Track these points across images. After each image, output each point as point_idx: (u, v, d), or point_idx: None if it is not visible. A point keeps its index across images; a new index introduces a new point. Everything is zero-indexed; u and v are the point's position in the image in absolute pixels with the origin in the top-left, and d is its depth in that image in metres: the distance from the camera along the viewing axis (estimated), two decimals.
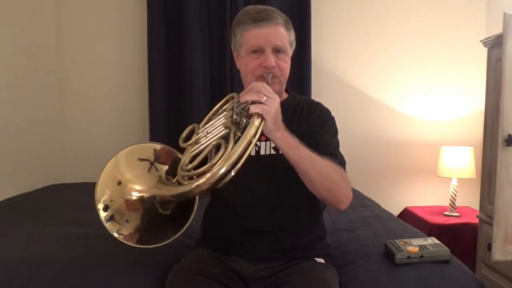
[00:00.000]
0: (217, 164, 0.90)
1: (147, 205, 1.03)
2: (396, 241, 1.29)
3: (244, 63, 1.20)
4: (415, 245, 1.26)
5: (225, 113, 1.03)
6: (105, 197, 1.03)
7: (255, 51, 1.17)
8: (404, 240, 1.30)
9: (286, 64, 1.20)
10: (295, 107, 1.28)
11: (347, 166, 1.22)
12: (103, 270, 1.20)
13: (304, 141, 1.07)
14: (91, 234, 1.48)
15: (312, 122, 1.24)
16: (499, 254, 1.81)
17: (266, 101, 0.96)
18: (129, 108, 2.81)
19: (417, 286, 1.17)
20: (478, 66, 2.81)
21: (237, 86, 2.67)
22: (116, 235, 0.99)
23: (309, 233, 1.24)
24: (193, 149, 1.04)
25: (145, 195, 1.03)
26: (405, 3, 2.85)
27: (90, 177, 2.73)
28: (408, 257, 1.22)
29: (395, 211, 2.79)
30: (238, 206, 1.20)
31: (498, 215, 1.81)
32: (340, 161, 1.16)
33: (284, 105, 1.25)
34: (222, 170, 0.89)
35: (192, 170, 0.98)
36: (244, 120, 0.97)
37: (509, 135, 1.78)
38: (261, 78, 1.17)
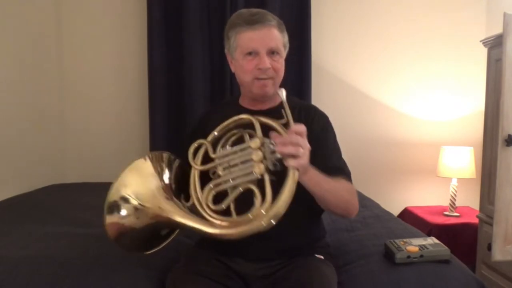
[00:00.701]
0: (258, 218, 0.92)
1: (155, 221, 1.05)
2: (396, 241, 1.29)
3: (240, 66, 1.20)
4: (415, 245, 1.26)
5: (253, 153, 0.99)
6: (129, 191, 1.04)
7: (250, 53, 1.17)
8: (404, 240, 1.30)
9: (280, 66, 1.21)
10: (291, 110, 1.27)
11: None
12: (103, 270, 1.20)
13: None
14: (91, 234, 1.48)
15: (312, 129, 1.23)
16: (499, 254, 1.81)
17: (302, 154, 0.96)
18: (129, 108, 2.81)
19: (417, 286, 1.17)
20: (478, 66, 2.81)
21: (237, 85, 2.67)
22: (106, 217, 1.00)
23: (309, 233, 1.25)
24: (216, 183, 1.02)
25: (163, 214, 1.03)
26: (405, 3, 2.85)
27: (90, 177, 2.73)
28: (408, 257, 1.22)
29: (395, 211, 2.79)
30: None
31: (498, 215, 1.81)
32: (347, 174, 1.19)
33: (280, 108, 1.25)
34: (264, 225, 0.91)
35: (221, 214, 1.00)
36: (277, 165, 0.98)
37: (509, 135, 1.78)
38: (257, 80, 1.18)
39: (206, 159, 1.09)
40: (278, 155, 0.97)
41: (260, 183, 0.99)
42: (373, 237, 1.49)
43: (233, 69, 1.26)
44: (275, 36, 1.17)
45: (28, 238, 1.44)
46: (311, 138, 1.22)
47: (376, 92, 2.89)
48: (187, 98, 2.67)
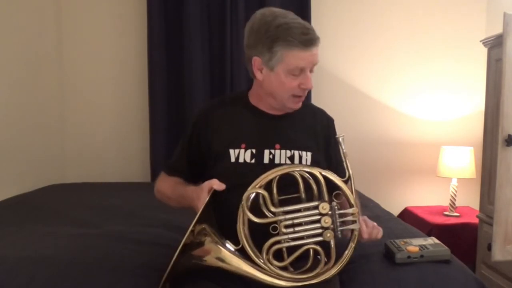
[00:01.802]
0: (317, 277, 1.01)
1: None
2: (396, 241, 1.29)
3: (280, 81, 1.14)
4: (415, 245, 1.26)
5: (322, 219, 1.02)
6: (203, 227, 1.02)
7: (295, 72, 1.14)
8: (404, 240, 1.30)
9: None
10: (306, 115, 1.28)
11: None
12: (103, 270, 1.20)
13: (318, 149, 1.15)
14: (91, 234, 1.48)
15: (328, 134, 1.26)
16: (499, 254, 1.81)
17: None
18: (129, 108, 2.81)
19: (417, 286, 1.17)
20: (478, 66, 2.81)
21: (237, 85, 2.67)
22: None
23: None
24: (278, 239, 1.02)
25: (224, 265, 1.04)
26: (405, 3, 2.85)
27: (90, 177, 2.73)
28: (409, 257, 1.22)
29: (395, 211, 2.79)
30: None
31: (498, 215, 1.81)
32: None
33: (297, 113, 1.25)
34: (317, 280, 1.01)
35: (287, 269, 1.03)
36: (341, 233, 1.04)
37: (509, 135, 1.78)
38: (294, 97, 1.17)
39: (254, 205, 1.04)
40: (343, 218, 1.03)
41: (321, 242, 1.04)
42: None
43: (261, 78, 1.17)
44: (317, 54, 1.17)
45: (28, 238, 1.44)
46: (329, 143, 1.24)
47: (376, 92, 2.89)
48: (187, 98, 2.67)
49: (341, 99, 2.86)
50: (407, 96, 2.90)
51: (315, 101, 2.70)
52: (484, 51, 2.30)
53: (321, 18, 2.80)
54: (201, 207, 0.98)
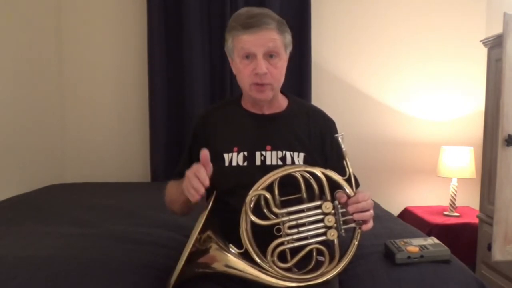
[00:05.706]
0: (323, 276, 1.02)
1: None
2: (396, 241, 1.30)
3: (237, 69, 1.18)
4: (415, 245, 1.26)
5: (325, 218, 1.02)
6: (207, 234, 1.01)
7: (247, 57, 1.14)
8: (404, 240, 1.30)
9: (278, 70, 1.16)
10: (299, 114, 1.26)
11: None
12: (103, 270, 1.20)
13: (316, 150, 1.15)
14: (91, 234, 1.48)
15: (323, 134, 1.24)
16: (499, 254, 1.81)
17: (370, 216, 1.04)
18: (129, 108, 2.81)
19: (417, 286, 1.17)
20: (478, 66, 2.81)
21: (237, 85, 2.66)
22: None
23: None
24: (284, 240, 1.02)
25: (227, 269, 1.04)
26: (405, 3, 2.85)
27: (90, 177, 2.73)
28: (408, 257, 1.22)
29: (395, 211, 2.79)
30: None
31: (498, 215, 1.81)
32: (357, 181, 1.18)
33: (289, 113, 1.24)
34: (322, 280, 1.02)
35: (295, 271, 1.03)
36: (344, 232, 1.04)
37: (509, 135, 1.78)
38: (254, 85, 1.15)
39: (255, 208, 1.04)
40: (346, 217, 1.03)
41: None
42: (373, 237, 1.49)
43: (234, 70, 1.22)
44: (272, 38, 1.12)
45: (28, 238, 1.44)
46: (324, 143, 1.23)
47: (376, 92, 2.89)
48: (187, 98, 2.67)
49: (341, 99, 2.86)
50: (407, 96, 2.90)
51: (315, 101, 2.70)
52: (484, 51, 2.30)
53: (321, 18, 2.80)
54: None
